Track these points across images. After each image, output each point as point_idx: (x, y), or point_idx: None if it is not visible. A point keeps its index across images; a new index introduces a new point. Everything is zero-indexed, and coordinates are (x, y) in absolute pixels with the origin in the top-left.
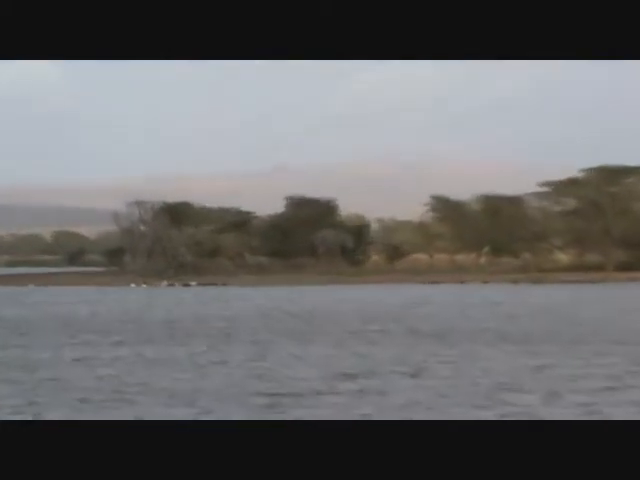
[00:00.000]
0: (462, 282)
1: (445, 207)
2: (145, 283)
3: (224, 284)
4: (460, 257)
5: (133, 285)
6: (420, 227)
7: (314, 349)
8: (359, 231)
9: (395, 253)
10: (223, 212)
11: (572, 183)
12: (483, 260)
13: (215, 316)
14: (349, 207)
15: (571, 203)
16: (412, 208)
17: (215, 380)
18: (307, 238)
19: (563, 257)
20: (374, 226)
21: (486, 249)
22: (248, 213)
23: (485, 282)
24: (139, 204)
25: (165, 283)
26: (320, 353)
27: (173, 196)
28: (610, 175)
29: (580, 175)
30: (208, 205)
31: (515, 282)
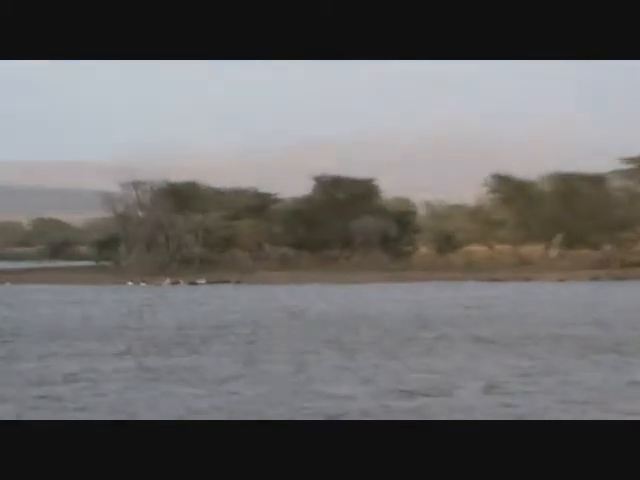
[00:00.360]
0: (529, 279)
1: (508, 188)
2: (144, 281)
3: (238, 282)
4: (526, 249)
5: (130, 283)
6: (477, 212)
7: (361, 360)
8: (403, 217)
9: (447, 244)
10: (237, 194)
11: None
12: (554, 252)
13: (235, 320)
14: (390, 189)
15: None
16: (467, 190)
17: (240, 398)
18: (341, 226)
19: None
20: (421, 212)
21: (558, 239)
22: (268, 195)
23: (561, 280)
24: (136, 185)
25: (168, 281)
26: (368, 365)
27: (175, 176)
28: None
29: None
30: (218, 186)
31: (595, 279)
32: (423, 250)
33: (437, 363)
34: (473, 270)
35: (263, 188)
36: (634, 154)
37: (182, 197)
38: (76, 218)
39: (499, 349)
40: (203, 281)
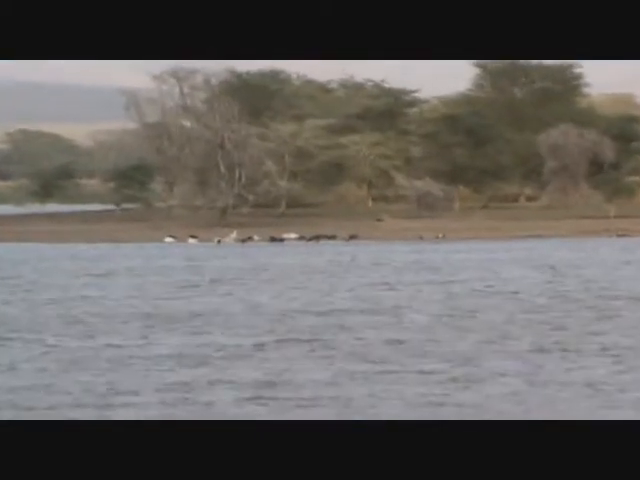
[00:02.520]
0: None
1: None
2: (193, 236)
3: (353, 237)
4: None
5: (169, 240)
6: None
7: None
8: (626, 128)
9: None
10: (350, 90)
11: None
12: None
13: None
14: (603, 81)
15: None
16: None
17: None
18: (521, 143)
19: None
20: None
21: None
22: (402, 92)
23: None
24: (180, 76)
25: (234, 235)
26: None
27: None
28: None
29: None
30: (317, 78)
31: None
32: None
33: None
34: None
35: (392, 81)
36: None
37: (258, 96)
38: (79, 131)
39: None
40: (293, 236)
